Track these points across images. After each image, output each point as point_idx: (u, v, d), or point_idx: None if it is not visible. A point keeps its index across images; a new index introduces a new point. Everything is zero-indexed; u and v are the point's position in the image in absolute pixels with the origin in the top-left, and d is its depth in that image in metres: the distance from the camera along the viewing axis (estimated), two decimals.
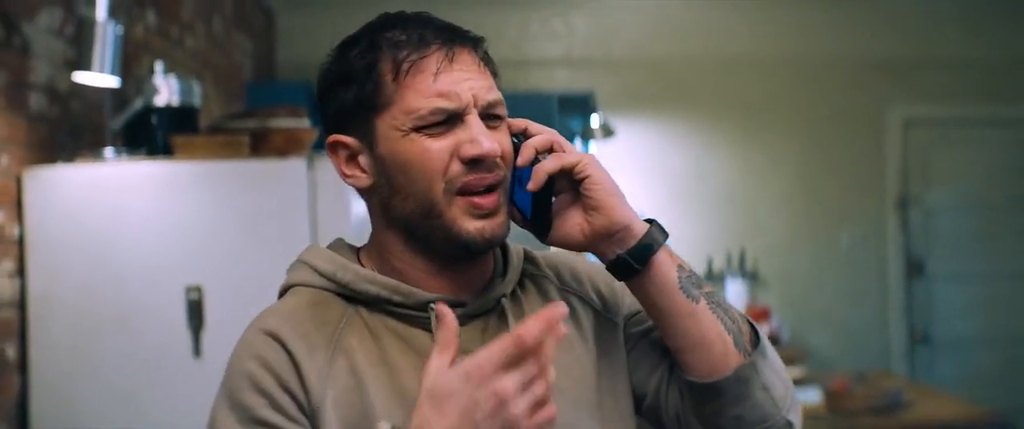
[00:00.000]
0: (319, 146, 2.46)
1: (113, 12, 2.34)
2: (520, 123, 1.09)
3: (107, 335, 2.21)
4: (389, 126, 1.03)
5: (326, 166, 2.25)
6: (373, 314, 1.06)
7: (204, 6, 3.80)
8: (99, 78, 2.35)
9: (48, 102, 2.47)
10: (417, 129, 1.02)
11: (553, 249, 1.17)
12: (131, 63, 2.88)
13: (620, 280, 1.08)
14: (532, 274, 1.16)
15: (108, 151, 2.34)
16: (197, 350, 2.20)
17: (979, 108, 5.55)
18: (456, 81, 1.02)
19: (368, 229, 1.12)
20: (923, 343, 5.53)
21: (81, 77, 2.37)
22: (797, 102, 5.44)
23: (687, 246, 5.29)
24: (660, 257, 1.05)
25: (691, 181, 5.35)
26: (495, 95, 1.05)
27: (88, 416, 2.20)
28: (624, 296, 1.16)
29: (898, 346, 5.50)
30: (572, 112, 4.80)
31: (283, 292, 1.13)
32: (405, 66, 1.02)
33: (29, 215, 2.23)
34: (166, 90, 2.45)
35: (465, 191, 1.02)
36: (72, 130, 2.58)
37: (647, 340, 1.15)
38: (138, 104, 2.46)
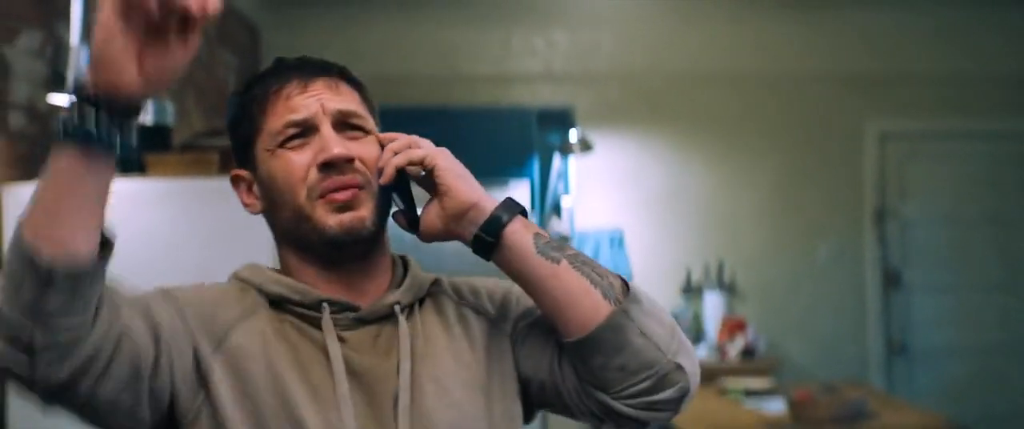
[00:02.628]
0: None
1: (89, 35, 2.44)
2: (389, 136, 1.20)
3: None
4: (262, 150, 1.18)
5: None
6: (277, 313, 1.17)
7: None
8: None
9: (28, 121, 2.57)
10: (281, 145, 1.16)
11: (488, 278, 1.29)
12: None
13: (485, 259, 1.16)
14: (434, 293, 1.26)
15: None
16: None
17: (954, 122, 5.61)
18: (305, 98, 1.16)
19: None
20: (900, 354, 5.58)
21: (56, 98, 2.47)
22: (774, 116, 5.50)
23: (664, 258, 5.37)
24: (512, 227, 1.13)
25: (669, 194, 5.41)
26: (347, 106, 1.18)
27: (64, 419, 2.29)
28: (517, 305, 1.26)
29: (875, 357, 5.55)
30: (551, 127, 4.90)
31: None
32: (267, 96, 1.18)
33: (9, 231, 2.32)
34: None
35: (324, 195, 1.14)
36: (51, 147, 2.68)
37: (534, 331, 1.23)
38: None
